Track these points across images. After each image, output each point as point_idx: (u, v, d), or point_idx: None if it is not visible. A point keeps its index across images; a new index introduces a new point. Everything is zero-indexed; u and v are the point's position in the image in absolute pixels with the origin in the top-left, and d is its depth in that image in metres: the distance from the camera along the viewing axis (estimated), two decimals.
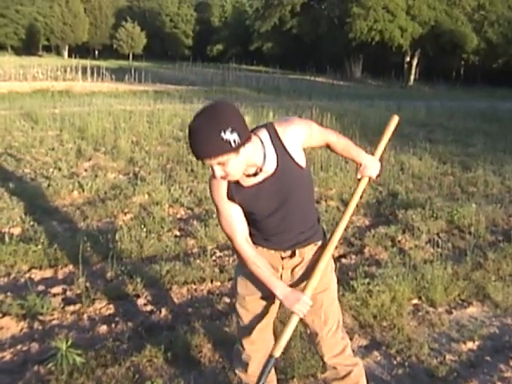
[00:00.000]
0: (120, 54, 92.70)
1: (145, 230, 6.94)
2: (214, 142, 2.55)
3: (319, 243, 3.12)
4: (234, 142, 2.58)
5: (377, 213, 8.36)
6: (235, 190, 2.86)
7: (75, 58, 60.69)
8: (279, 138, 2.82)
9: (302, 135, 2.90)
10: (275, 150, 2.81)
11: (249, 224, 2.97)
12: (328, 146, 3.17)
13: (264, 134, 2.83)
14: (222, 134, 2.54)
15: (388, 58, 64.53)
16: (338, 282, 3.32)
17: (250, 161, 2.74)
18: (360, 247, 6.86)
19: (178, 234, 7.16)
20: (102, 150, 12.15)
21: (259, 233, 3.02)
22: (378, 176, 3.33)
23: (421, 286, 5.54)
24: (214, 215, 7.43)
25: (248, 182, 2.85)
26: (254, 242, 3.01)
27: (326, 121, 15.20)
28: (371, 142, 14.06)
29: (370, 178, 3.30)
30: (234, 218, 2.91)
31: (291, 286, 3.07)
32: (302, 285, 3.06)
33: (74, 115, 16.16)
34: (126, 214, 7.83)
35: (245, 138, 2.64)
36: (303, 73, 58.46)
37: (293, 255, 3.05)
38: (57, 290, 5.40)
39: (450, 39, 55.49)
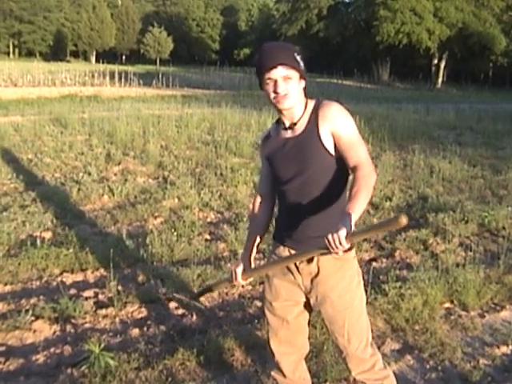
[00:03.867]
0: (147, 58, 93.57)
1: (175, 233, 6.97)
2: (290, 54, 2.90)
3: (342, 256, 2.90)
4: (302, 66, 2.93)
5: (408, 216, 8.16)
6: (268, 143, 3.17)
7: (103, 63, 61.31)
8: (317, 111, 2.97)
9: (337, 121, 2.92)
10: (309, 118, 2.97)
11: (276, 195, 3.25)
12: (351, 170, 2.97)
13: (311, 102, 3.05)
14: (295, 53, 2.91)
15: (415, 60, 64.23)
16: (369, 286, 3.29)
17: (297, 101, 2.97)
18: (391, 251, 6.82)
19: (208, 237, 7.18)
20: (131, 155, 12.23)
21: (282, 209, 3.14)
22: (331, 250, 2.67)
23: (453, 290, 5.49)
24: (245, 218, 7.56)
25: (281, 134, 3.08)
26: (274, 237, 3.22)
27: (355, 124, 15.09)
28: (400, 146, 14.12)
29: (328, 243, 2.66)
30: (263, 176, 3.28)
31: (318, 304, 3.09)
32: (326, 307, 3.08)
33: (102, 120, 16.32)
34: (156, 218, 7.86)
35: (305, 73, 2.98)
36: (330, 76, 58.22)
37: (310, 261, 3.03)
38: (88, 293, 5.44)
39: (478, 41, 55.09)
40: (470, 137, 16.67)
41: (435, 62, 61.39)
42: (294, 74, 2.89)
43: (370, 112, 21.23)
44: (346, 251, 2.80)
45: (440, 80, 60.38)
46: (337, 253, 2.62)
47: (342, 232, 2.54)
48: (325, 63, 70.06)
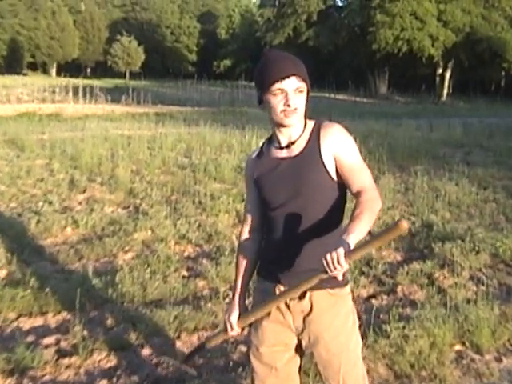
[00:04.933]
0: (115, 71, 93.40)
1: (148, 270, 6.94)
2: (302, 65, 3.00)
3: (336, 291, 3.06)
4: (308, 79, 3.01)
5: (410, 246, 8.28)
6: (258, 163, 3.18)
7: (64, 76, 61.40)
8: (319, 132, 3.02)
9: (340, 144, 2.97)
10: (309, 138, 3.02)
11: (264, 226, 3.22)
12: (354, 196, 2.99)
13: (311, 122, 3.11)
14: (303, 65, 3.00)
15: (417, 70, 64.66)
16: (368, 326, 3.30)
17: (302, 118, 3.04)
18: (392, 286, 6.80)
19: (185, 274, 7.17)
20: (97, 181, 12.24)
21: (271, 238, 3.11)
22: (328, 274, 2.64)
23: (464, 330, 5.42)
24: (227, 252, 7.51)
25: (273, 153, 3.11)
26: (259, 272, 3.23)
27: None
28: (401, 167, 14.19)
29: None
30: (250, 203, 3.27)
31: (310, 345, 3.07)
32: (319, 349, 3.06)
33: (65, 141, 16.34)
34: (126, 252, 7.85)
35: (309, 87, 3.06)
36: (322, 89, 57.86)
37: (302, 297, 3.02)
38: (49, 340, 5.35)
39: (488, 47, 55.46)
40: (480, 155, 16.75)
41: (439, 71, 61.85)
42: (305, 88, 2.97)
43: (366, 129, 21.36)
44: (340, 287, 2.89)
45: (445, 92, 60.79)
46: (336, 275, 2.60)
47: (341, 250, 2.54)
48: (315, 75, 69.34)
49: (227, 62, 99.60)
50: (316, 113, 29.54)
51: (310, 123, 3.09)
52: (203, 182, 12.18)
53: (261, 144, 3.29)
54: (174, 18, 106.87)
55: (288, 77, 2.88)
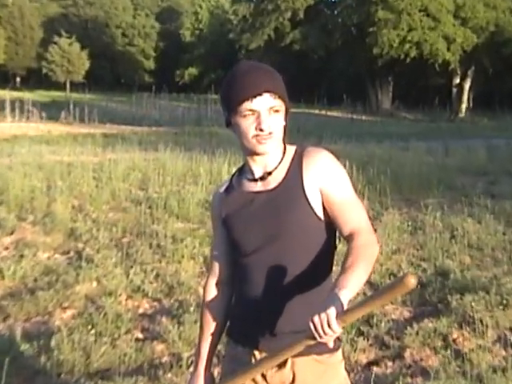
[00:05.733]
0: (52, 81, 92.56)
1: (93, 332, 6.91)
2: (278, 79, 3.03)
3: (325, 358, 3.00)
4: (286, 95, 3.04)
5: (420, 300, 8.28)
6: (226, 198, 3.18)
7: None
8: (301, 159, 3.06)
9: (328, 175, 2.99)
10: (289, 167, 3.06)
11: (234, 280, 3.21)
12: (346, 239, 2.98)
13: (291, 148, 3.15)
14: (281, 79, 3.05)
15: (429, 80, 65.25)
16: None
17: (279, 143, 3.05)
18: (399, 350, 6.78)
19: (140, 336, 7.16)
20: (29, 219, 12.16)
21: (243, 292, 3.10)
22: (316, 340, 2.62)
23: None
24: (192, 308, 7.55)
25: (246, 187, 3.13)
26: (229, 335, 3.22)
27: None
28: (408, 201, 14.31)
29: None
30: (218, 248, 3.27)
31: None
32: None
33: None
34: (65, 309, 7.80)
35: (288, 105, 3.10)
36: (310, 105, 58.91)
37: (282, 365, 2.98)
38: None
39: None
40: (508, 185, 16.73)
41: (457, 81, 62.40)
42: (282, 107, 2.99)
43: (365, 154, 21.50)
44: (330, 352, 2.87)
45: (464, 106, 61.22)
46: (326, 342, 2.56)
47: (332, 311, 2.49)
48: (302, 87, 68.48)
49: (193, 71, 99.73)
50: (303, 134, 30.09)
51: (291, 149, 3.12)
52: (163, 221, 12.19)
53: (230, 175, 3.30)
54: (127, 15, 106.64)
55: (260, 94, 2.89)
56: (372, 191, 14.52)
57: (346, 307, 2.55)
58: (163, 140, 24.89)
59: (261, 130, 2.91)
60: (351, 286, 2.62)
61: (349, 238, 2.88)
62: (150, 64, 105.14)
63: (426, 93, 64.29)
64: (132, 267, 9.30)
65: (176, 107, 50.29)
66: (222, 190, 3.25)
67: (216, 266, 3.27)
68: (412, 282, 2.36)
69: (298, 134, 30.33)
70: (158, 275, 9.12)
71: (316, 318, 2.50)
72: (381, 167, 17.63)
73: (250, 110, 2.90)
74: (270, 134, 2.93)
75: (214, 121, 38.17)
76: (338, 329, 2.49)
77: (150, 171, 16.96)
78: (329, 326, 2.48)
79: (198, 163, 18.00)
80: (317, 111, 53.75)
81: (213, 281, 3.28)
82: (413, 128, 41.02)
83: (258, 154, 3.01)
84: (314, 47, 66.63)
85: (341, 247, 3.11)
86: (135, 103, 56.31)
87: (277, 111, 2.94)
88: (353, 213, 2.96)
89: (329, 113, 54.03)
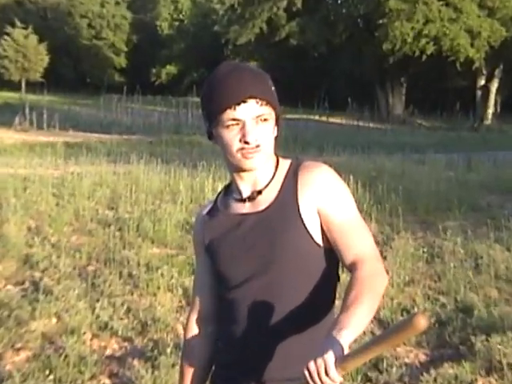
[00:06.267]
0: (5, 80, 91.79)
1: (51, 377, 6.83)
2: (266, 83, 3.00)
3: None
4: (276, 101, 3.03)
5: (439, 341, 8.20)
6: (210, 222, 3.17)
7: None
8: (296, 176, 3.03)
9: (327, 193, 2.96)
10: (282, 185, 3.04)
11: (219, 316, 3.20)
12: (348, 268, 2.93)
13: (285, 161, 3.14)
14: (270, 82, 3.03)
15: (449, 81, 65.16)
16: None
17: (269, 157, 3.04)
18: None
19: (107, 382, 7.08)
20: None
21: (229, 330, 3.06)
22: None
23: None
24: (168, 349, 7.46)
25: (232, 208, 3.12)
26: (214, 382, 3.22)
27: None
28: (424, 224, 14.27)
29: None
30: (201, 279, 3.28)
31: None
32: None
33: None
34: (18, 351, 7.71)
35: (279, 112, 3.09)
36: (310, 110, 58.08)
37: None
38: None
39: None
40: None
41: (482, 82, 62.07)
42: (271, 115, 2.97)
43: (373, 168, 21.38)
44: None
45: (490, 112, 60.90)
46: None
47: (330, 356, 2.41)
48: (300, 89, 68.59)
49: (171, 70, 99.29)
50: (301, 144, 30.17)
51: (284, 163, 3.10)
52: (135, 246, 12.09)
53: (216, 195, 3.28)
54: (94, 2, 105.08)
55: (244, 101, 2.85)
56: (381, 212, 14.54)
57: (346, 351, 2.47)
58: (136, 150, 24.80)
59: (246, 142, 2.88)
60: (353, 325, 2.56)
61: (352, 268, 2.83)
62: (121, 61, 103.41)
63: (446, 96, 63.43)
64: (98, 300, 9.19)
65: (151, 112, 50.29)
66: (205, 211, 3.23)
67: (198, 301, 3.25)
68: (422, 323, 2.24)
69: (295, 145, 30.34)
70: (129, 310, 9.03)
71: (312, 365, 2.43)
72: (391, 184, 17.52)
73: (234, 120, 2.87)
74: (257, 146, 2.90)
75: (195, 128, 37.94)
76: (337, 377, 2.41)
77: (120, 187, 16.92)
78: (326, 373, 2.39)
79: (177, 178, 18.00)
80: (317, 117, 53.76)
81: (194, 317, 3.27)
82: (429, 138, 40.82)
83: (244, 171, 2.99)
84: (314, 42, 65.81)
85: (344, 277, 3.03)
86: (103, 107, 55.85)
87: (265, 120, 2.91)
88: (356, 237, 2.91)
89: (331, 119, 53.90)
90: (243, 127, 2.86)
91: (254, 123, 2.87)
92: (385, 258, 10.74)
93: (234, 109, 2.83)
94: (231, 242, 3.03)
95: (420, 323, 2.24)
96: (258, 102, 2.87)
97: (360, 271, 2.77)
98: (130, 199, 15.76)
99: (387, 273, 2.86)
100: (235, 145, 2.89)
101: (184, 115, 46.10)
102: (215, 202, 3.22)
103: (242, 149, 2.88)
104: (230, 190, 3.13)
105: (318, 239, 2.93)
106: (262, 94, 2.89)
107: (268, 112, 2.91)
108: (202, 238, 3.16)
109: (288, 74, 69.57)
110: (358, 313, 2.59)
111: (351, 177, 15.48)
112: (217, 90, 2.91)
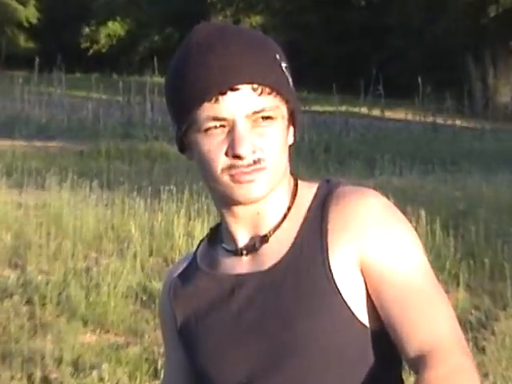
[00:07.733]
0: None
1: None
2: (270, 58, 2.58)
3: None
4: (293, 90, 2.62)
5: None
6: (188, 291, 2.93)
7: None
8: (326, 210, 2.62)
9: (376, 241, 2.51)
10: (301, 226, 2.64)
11: None
12: (409, 364, 2.57)
13: (309, 187, 2.75)
14: (278, 56, 2.57)
15: None
16: None
17: (279, 179, 2.62)
18: None
19: None
20: None
21: None
22: None
23: None
24: None
25: (221, 266, 2.79)
26: None
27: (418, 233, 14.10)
28: None
29: None
30: (174, 378, 3.16)
31: None
32: None
33: None
34: None
35: (298, 109, 2.68)
36: (352, 98, 52.14)
37: None
38: None
39: None
40: None
41: None
42: (280, 110, 2.48)
43: (461, 197, 19.86)
44: None
45: None
46: None
47: None
48: (336, 63, 60.88)
49: (116, 29, 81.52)
50: (336, 156, 30.11)
51: (307, 191, 2.69)
52: (54, 330, 11.69)
53: (196, 246, 2.97)
54: None
55: (232, 89, 2.37)
56: (475, 272, 13.57)
57: None
58: (57, 167, 23.58)
59: (236, 156, 2.45)
60: None
61: (417, 363, 2.50)
62: (30, 13, 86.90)
63: None
64: None
65: (82, 101, 45.29)
66: (178, 273, 2.94)
67: None
68: None
69: (326, 157, 28.85)
70: None
71: None
72: (492, 224, 16.28)
73: (216, 119, 2.43)
74: (255, 162, 2.48)
75: (158, 128, 35.36)
76: None
77: (29, 230, 15.83)
78: None
79: (127, 214, 17.25)
80: (364, 110, 49.26)
81: None
82: None
83: (238, 204, 2.60)
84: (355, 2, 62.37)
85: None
86: (5, 93, 50.04)
87: (269, 118, 2.46)
88: (426, 313, 2.51)
89: (388, 113, 48.56)
90: (232, 131, 2.46)
91: (248, 124, 2.46)
92: (482, 349, 10.93)
93: (217, 101, 2.41)
94: (219, 322, 2.75)
95: None
96: (255, 90, 2.45)
97: (430, 371, 2.43)
98: (47, 250, 14.98)
99: (475, 369, 2.50)
100: (220, 161, 2.51)
101: (139, 107, 42.90)
102: (194, 256, 2.90)
103: (232, 167, 2.51)
104: (218, 236, 2.79)
105: (363, 316, 2.60)
106: (263, 76, 2.47)
107: (273, 105, 2.47)
108: (173, 315, 2.91)
109: (316, 36, 68.68)
110: None
111: (422, 212, 14.93)
112: (189, 71, 2.52)
